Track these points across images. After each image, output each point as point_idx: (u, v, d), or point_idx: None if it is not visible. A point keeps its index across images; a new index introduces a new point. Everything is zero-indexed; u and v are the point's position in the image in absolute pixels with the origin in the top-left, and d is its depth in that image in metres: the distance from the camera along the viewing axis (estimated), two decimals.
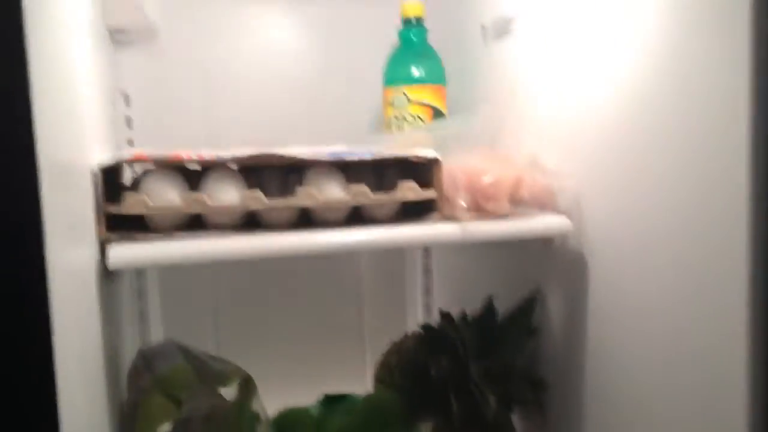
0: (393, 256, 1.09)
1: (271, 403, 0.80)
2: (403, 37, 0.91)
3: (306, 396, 0.89)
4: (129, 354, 0.76)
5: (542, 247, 0.76)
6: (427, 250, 1.10)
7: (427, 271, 1.11)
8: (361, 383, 1.00)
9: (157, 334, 0.95)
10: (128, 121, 0.92)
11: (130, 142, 0.92)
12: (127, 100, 0.92)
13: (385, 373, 0.91)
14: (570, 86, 0.70)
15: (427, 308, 1.11)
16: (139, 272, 0.94)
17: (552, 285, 0.77)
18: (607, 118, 0.65)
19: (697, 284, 0.54)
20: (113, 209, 0.56)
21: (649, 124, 0.59)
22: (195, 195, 0.59)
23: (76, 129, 0.49)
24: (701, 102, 0.53)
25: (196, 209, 0.58)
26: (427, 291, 1.11)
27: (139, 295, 0.95)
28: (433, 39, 0.92)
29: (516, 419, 0.78)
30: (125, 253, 0.55)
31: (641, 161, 0.60)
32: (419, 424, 0.83)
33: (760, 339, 0.50)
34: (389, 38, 0.93)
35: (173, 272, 0.96)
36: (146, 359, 0.73)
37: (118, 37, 0.90)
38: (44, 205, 0.35)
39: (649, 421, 0.61)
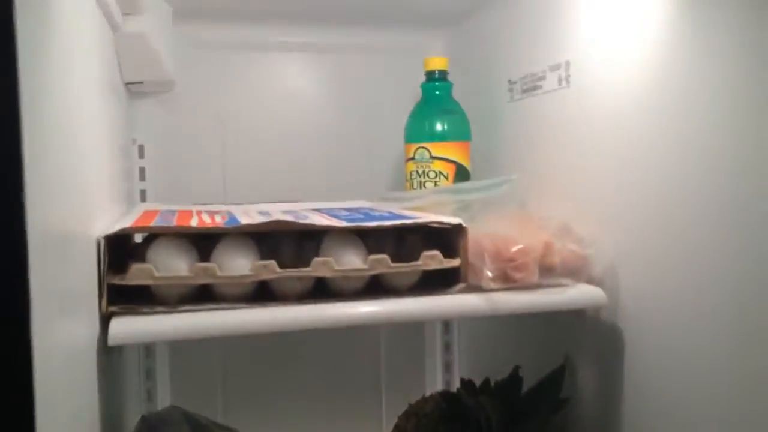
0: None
1: None
2: (427, 91, 0.89)
3: None
4: (133, 422, 0.72)
5: (573, 317, 0.72)
6: None
7: (447, 333, 1.06)
8: None
9: (164, 399, 0.91)
10: (142, 172, 0.90)
11: (143, 193, 0.90)
12: (141, 151, 0.90)
13: None
14: (605, 146, 0.66)
15: (448, 367, 1.06)
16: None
17: (583, 356, 0.72)
18: (646, 180, 0.61)
19: (750, 365, 0.50)
20: (117, 280, 0.53)
21: (694, 189, 0.55)
22: (204, 265, 0.55)
23: (78, 195, 0.46)
24: (752, 164, 0.49)
25: (205, 280, 0.55)
26: (448, 350, 1.06)
27: (147, 354, 0.91)
28: (458, 93, 0.89)
29: None
30: (127, 328, 0.51)
31: (684, 229, 0.56)
32: None
33: None
34: (413, 90, 0.90)
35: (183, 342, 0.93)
36: (149, 427, 0.69)
37: (134, 88, 0.88)
38: (33, 280, 0.32)
39: None
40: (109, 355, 0.58)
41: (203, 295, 0.57)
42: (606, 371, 0.68)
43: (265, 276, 0.56)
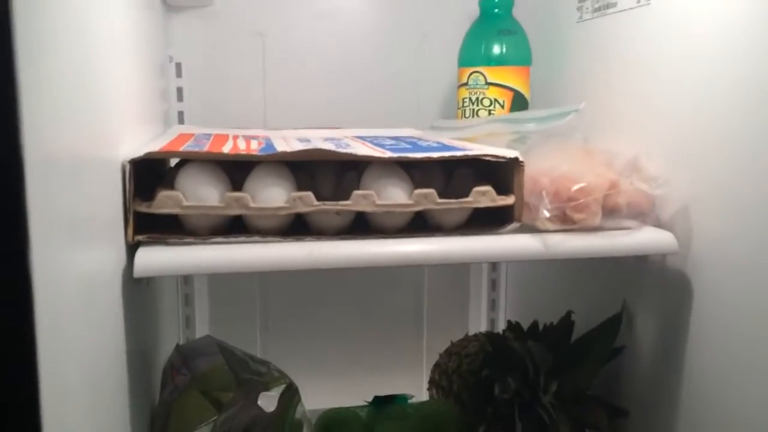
0: None
1: (320, 403, 0.74)
2: (485, 8, 0.80)
3: (357, 397, 0.83)
4: (168, 349, 0.70)
5: (636, 262, 0.66)
6: None
7: (494, 270, 1.01)
8: (416, 386, 0.93)
9: (202, 328, 0.90)
10: (179, 93, 0.86)
11: (181, 115, 0.86)
12: (179, 69, 0.85)
13: (442, 378, 0.83)
14: (685, 78, 0.58)
15: (493, 305, 1.02)
16: None
17: (644, 305, 0.67)
18: (727, 119, 0.53)
19: None
20: (144, 208, 0.49)
21: None
22: (236, 195, 0.51)
23: (97, 114, 0.42)
24: None
25: (236, 211, 0.51)
26: (494, 287, 1.02)
27: (185, 282, 0.90)
28: (519, 12, 0.80)
29: None
30: (153, 258, 0.48)
31: (765, 171, 0.49)
32: None
33: None
34: (469, 7, 0.82)
35: None
36: (184, 356, 0.68)
37: (171, 1, 0.83)
38: (31, 206, 0.28)
39: None
40: (139, 284, 0.56)
41: (236, 227, 0.53)
42: (667, 323, 0.62)
43: (301, 209, 0.52)
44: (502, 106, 0.78)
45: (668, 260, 0.61)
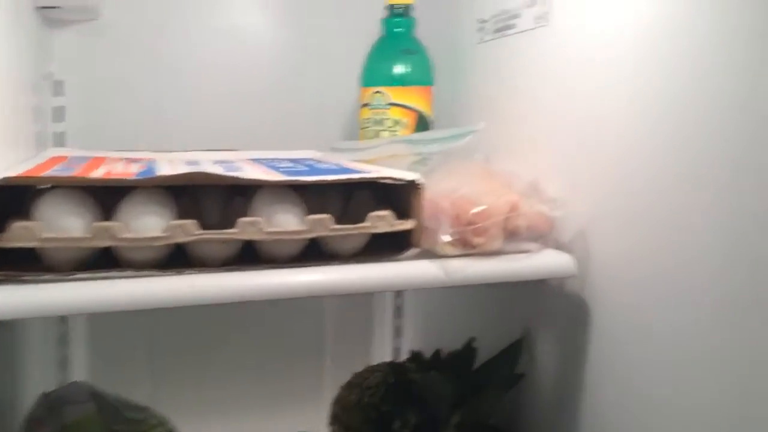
0: None
1: None
2: (387, 27, 0.79)
3: None
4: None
5: (536, 285, 0.64)
6: None
7: (399, 296, 0.99)
8: (319, 421, 0.88)
9: (81, 373, 0.82)
10: (59, 113, 0.79)
11: (60, 137, 0.79)
12: (59, 87, 0.79)
13: (342, 413, 0.79)
14: (582, 97, 0.58)
15: (398, 332, 0.99)
16: None
17: (543, 328, 0.66)
18: (625, 138, 0.53)
19: (731, 353, 0.43)
20: None
21: (679, 152, 0.47)
22: (105, 224, 0.46)
23: None
24: (743, 125, 0.41)
25: (105, 242, 0.46)
26: (399, 315, 0.99)
27: (61, 320, 0.82)
28: (422, 32, 0.79)
29: None
30: (6, 300, 0.42)
31: (665, 195, 0.49)
32: None
33: None
34: (372, 27, 0.80)
35: None
36: (50, 406, 0.61)
37: (50, 14, 0.76)
38: None
39: None
40: None
41: (108, 262, 0.48)
42: (567, 347, 0.61)
43: (181, 238, 0.47)
44: (405, 127, 0.76)
45: (567, 283, 0.61)
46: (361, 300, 0.96)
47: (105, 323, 0.84)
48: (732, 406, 0.44)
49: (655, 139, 0.50)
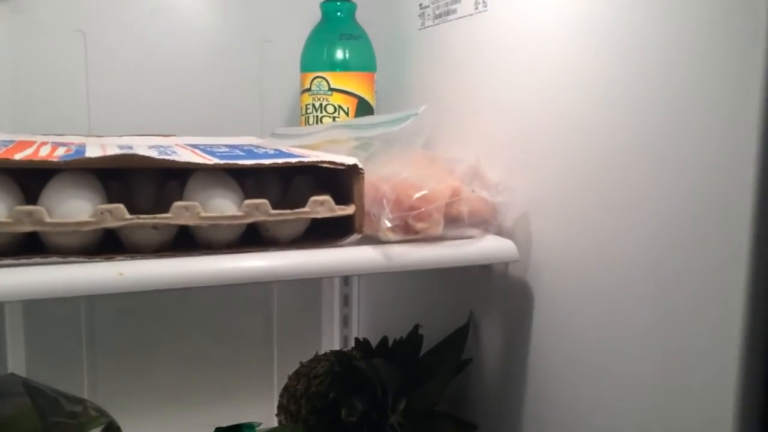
0: None
1: None
2: (327, 12, 0.77)
3: (201, 428, 0.76)
4: None
5: (480, 270, 0.65)
6: None
7: (346, 285, 0.98)
8: (266, 411, 0.87)
9: (18, 366, 0.78)
10: None
11: None
12: None
13: (290, 403, 0.78)
14: (522, 80, 0.58)
15: (346, 321, 0.99)
16: None
17: (488, 313, 0.66)
18: (560, 120, 0.54)
19: (666, 323, 0.44)
20: None
21: (618, 136, 0.48)
22: (28, 208, 0.43)
23: None
24: (690, 105, 0.42)
25: (28, 227, 0.43)
26: (346, 303, 0.99)
27: None
28: (363, 17, 0.78)
29: None
30: None
31: (605, 179, 0.50)
32: None
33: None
34: (312, 11, 0.78)
35: None
36: None
37: None
38: None
39: None
40: None
41: (33, 247, 0.45)
42: (511, 331, 0.62)
43: (110, 223, 0.45)
44: (347, 113, 0.75)
45: (510, 268, 0.61)
46: (308, 289, 0.95)
47: (41, 314, 0.80)
48: (659, 377, 0.45)
49: (590, 124, 0.51)
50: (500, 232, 0.59)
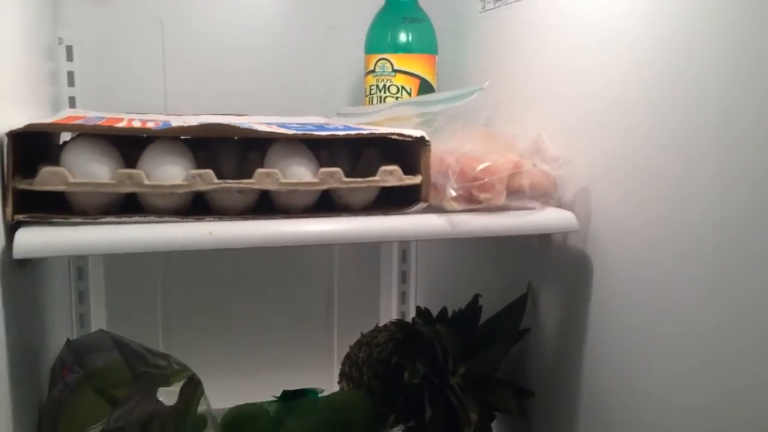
0: (368, 245, 0.99)
1: (225, 400, 0.71)
2: None
3: (265, 392, 0.80)
4: (59, 347, 0.66)
5: (539, 242, 0.67)
6: (405, 242, 1.01)
7: (404, 262, 1.01)
8: (327, 378, 0.91)
9: (98, 324, 0.84)
10: (70, 77, 0.80)
11: (72, 101, 0.81)
12: (69, 52, 0.80)
13: (352, 370, 0.82)
14: (585, 59, 0.60)
15: (404, 297, 1.02)
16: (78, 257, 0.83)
17: (547, 284, 0.68)
18: (623, 96, 0.55)
19: (726, 294, 0.46)
20: (24, 185, 0.45)
21: (679, 111, 0.50)
22: (129, 171, 0.48)
23: None
24: (750, 79, 0.43)
25: (129, 188, 0.48)
26: (404, 278, 1.02)
27: (79, 275, 0.84)
28: (425, 2, 0.81)
29: (496, 427, 0.70)
30: (36, 239, 0.44)
31: (664, 154, 0.51)
32: (388, 429, 0.75)
33: None
34: None
35: (118, 256, 0.86)
36: (75, 353, 0.63)
37: None
38: None
39: None
40: (21, 271, 0.52)
41: (130, 208, 0.50)
42: (570, 302, 0.64)
43: (201, 187, 0.50)
44: (409, 94, 0.78)
45: (570, 240, 0.63)
46: (368, 265, 0.99)
47: (120, 278, 0.86)
48: (723, 344, 0.47)
49: (652, 97, 0.52)
50: (560, 205, 0.61)
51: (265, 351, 0.94)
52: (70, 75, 0.81)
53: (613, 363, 0.58)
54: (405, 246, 1.01)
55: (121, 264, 0.87)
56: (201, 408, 0.62)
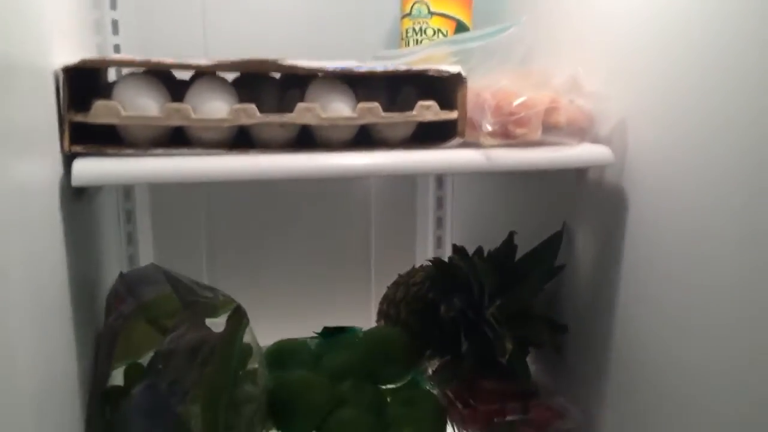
0: (403, 183, 1.01)
1: (266, 337, 0.74)
2: None
3: (304, 330, 0.83)
4: (111, 278, 0.69)
5: (575, 178, 0.67)
6: (440, 180, 1.02)
7: (440, 201, 1.03)
8: (364, 318, 0.94)
9: (146, 259, 0.88)
10: (114, 25, 0.83)
11: (117, 48, 0.83)
12: (113, 1, 0.82)
13: (389, 308, 0.85)
14: None
15: (439, 242, 1.04)
16: (127, 192, 0.87)
17: (582, 222, 0.69)
18: (665, 35, 0.55)
19: (762, 238, 0.46)
20: (80, 117, 0.48)
21: (717, 50, 0.49)
22: (177, 105, 0.50)
23: (26, 24, 0.40)
24: None
25: (177, 121, 0.50)
26: (440, 224, 1.04)
27: (128, 217, 0.88)
28: None
29: (531, 362, 0.71)
30: (92, 168, 0.47)
31: (701, 92, 0.51)
32: (425, 362, 0.77)
33: None
34: None
35: (164, 193, 0.89)
36: (128, 284, 0.67)
37: None
38: None
39: (682, 380, 0.54)
40: (79, 202, 0.55)
41: (177, 141, 0.52)
42: (605, 239, 0.65)
43: (244, 120, 0.52)
44: (445, 36, 0.78)
45: (606, 176, 0.63)
46: (404, 208, 1.01)
47: (167, 213, 0.90)
48: (753, 288, 0.47)
49: (691, 33, 0.52)
50: (597, 141, 0.62)
51: (305, 294, 0.97)
52: (114, 24, 0.83)
53: (647, 300, 0.59)
54: (440, 193, 1.02)
55: (168, 207, 0.90)
56: (246, 338, 0.66)
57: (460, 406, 0.69)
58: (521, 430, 0.67)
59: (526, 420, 0.67)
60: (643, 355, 0.59)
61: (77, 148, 0.48)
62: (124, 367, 0.65)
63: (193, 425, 0.55)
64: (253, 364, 0.66)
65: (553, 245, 0.69)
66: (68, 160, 0.48)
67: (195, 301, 0.62)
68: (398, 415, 0.69)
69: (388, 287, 0.87)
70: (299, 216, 0.96)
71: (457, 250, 0.73)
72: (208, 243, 0.93)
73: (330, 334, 0.84)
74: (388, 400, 0.73)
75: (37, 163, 0.43)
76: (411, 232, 1.04)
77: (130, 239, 0.88)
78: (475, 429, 0.66)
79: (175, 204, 0.90)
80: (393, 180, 0.99)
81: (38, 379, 0.40)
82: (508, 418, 0.67)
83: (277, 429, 0.69)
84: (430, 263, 0.79)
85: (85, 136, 0.49)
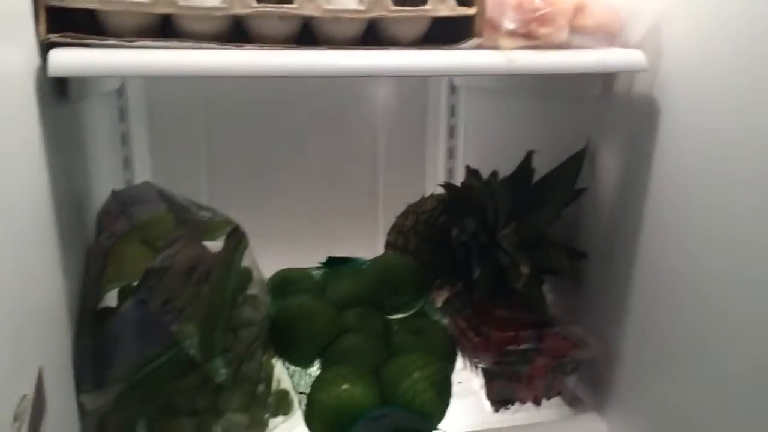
0: (414, 111, 0.96)
1: (269, 268, 0.71)
2: None
3: (309, 261, 0.80)
4: (104, 196, 0.65)
5: (600, 91, 0.62)
6: (453, 108, 0.97)
7: (452, 131, 0.98)
8: (372, 249, 0.90)
9: (143, 175, 0.85)
10: None
11: None
12: None
13: (398, 238, 0.81)
14: None
15: (450, 174, 0.99)
16: (120, 94, 0.82)
17: (607, 140, 0.64)
18: None
19: None
20: (56, 2, 0.43)
21: None
22: None
23: None
24: None
25: (164, 8, 0.45)
26: (452, 154, 0.99)
27: (123, 140, 0.84)
28: None
29: (546, 291, 0.68)
30: (70, 57, 0.42)
31: None
32: (433, 290, 0.74)
33: None
34: None
35: (162, 109, 0.85)
36: (121, 203, 0.63)
37: None
38: None
39: (709, 318, 0.50)
40: (62, 104, 0.50)
41: (167, 33, 0.48)
42: (631, 159, 0.60)
43: (238, 10, 0.46)
44: None
45: (635, 86, 0.58)
46: (415, 138, 0.97)
47: (165, 126, 0.86)
48: None
49: None
50: (627, 46, 0.56)
51: (310, 223, 0.93)
52: None
53: (672, 229, 0.55)
54: (453, 122, 0.97)
55: (167, 121, 0.86)
56: (246, 262, 0.62)
57: (471, 334, 0.65)
58: (535, 360, 0.64)
59: (541, 349, 0.64)
60: (664, 286, 0.55)
61: (55, 37, 0.43)
62: (117, 288, 0.62)
63: (188, 345, 0.51)
64: (254, 290, 0.63)
65: (574, 166, 0.64)
66: (45, 50, 0.43)
67: (191, 219, 0.58)
68: (405, 343, 0.65)
69: (396, 217, 0.83)
70: (305, 144, 0.92)
71: (470, 171, 0.68)
72: (209, 172, 0.89)
73: (335, 263, 0.80)
74: (395, 329, 0.69)
75: (10, 51, 0.39)
76: (420, 163, 0.99)
77: (127, 164, 0.84)
78: (487, 358, 0.63)
79: (174, 128, 0.86)
80: (403, 108, 0.94)
81: (15, 296, 0.36)
82: (522, 346, 0.63)
83: (279, 356, 0.66)
84: (442, 188, 0.74)
85: (65, 26, 0.44)
